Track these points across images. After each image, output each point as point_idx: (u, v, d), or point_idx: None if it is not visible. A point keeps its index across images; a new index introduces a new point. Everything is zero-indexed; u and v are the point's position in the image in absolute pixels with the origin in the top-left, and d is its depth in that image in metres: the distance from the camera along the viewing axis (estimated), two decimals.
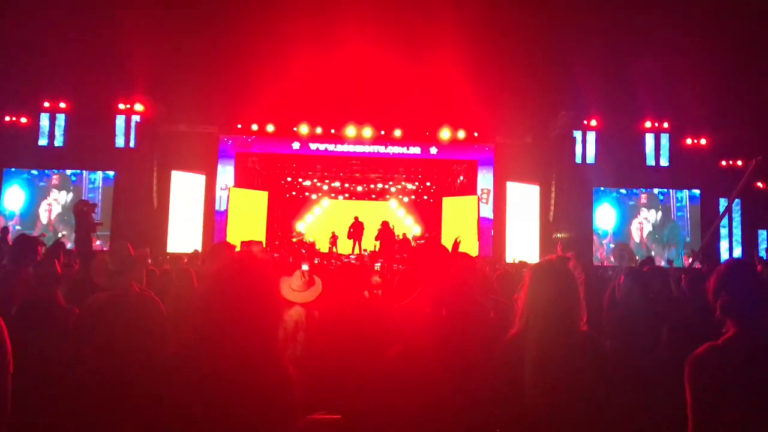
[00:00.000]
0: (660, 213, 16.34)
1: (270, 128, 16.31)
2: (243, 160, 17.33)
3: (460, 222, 16.33)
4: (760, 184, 15.56)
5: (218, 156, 16.58)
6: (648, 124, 16.30)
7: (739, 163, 15.93)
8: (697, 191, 16.25)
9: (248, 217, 16.50)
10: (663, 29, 14.17)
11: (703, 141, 16.13)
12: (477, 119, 16.13)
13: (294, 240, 18.03)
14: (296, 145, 16.65)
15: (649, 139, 16.41)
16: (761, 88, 14.29)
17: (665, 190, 16.35)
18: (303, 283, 4.31)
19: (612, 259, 12.30)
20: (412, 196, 23.61)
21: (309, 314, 4.23)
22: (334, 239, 20.10)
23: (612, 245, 16.13)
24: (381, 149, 16.75)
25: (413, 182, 22.16)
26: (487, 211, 16.60)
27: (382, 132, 16.39)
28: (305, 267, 4.75)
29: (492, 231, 16.43)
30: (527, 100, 15.44)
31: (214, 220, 16.33)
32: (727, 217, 15.30)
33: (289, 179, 22.04)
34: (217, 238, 15.50)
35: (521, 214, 16.55)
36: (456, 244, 4.52)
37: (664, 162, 16.35)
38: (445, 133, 16.23)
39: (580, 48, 14.44)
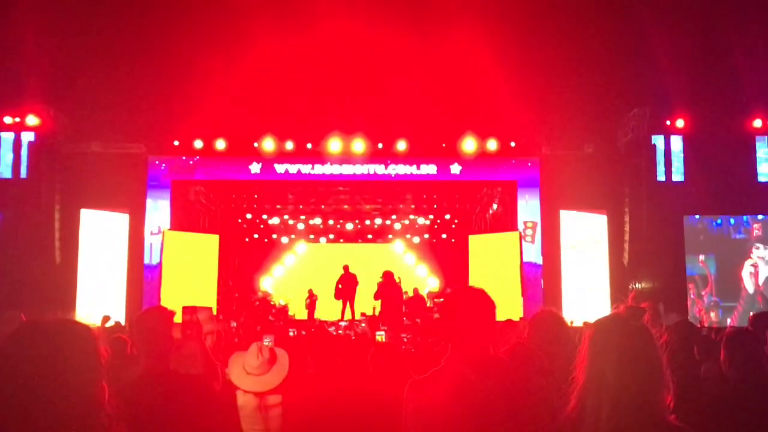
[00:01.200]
0: None
1: (220, 145, 16.35)
2: (182, 191, 17.36)
3: (495, 269, 16.35)
4: None
5: (147, 186, 16.56)
6: (758, 123, 16.24)
7: None
8: None
9: (191, 272, 16.49)
10: None
11: None
12: (515, 124, 16.20)
13: (257, 303, 18.28)
14: (256, 168, 16.67)
15: (761, 144, 16.39)
16: None
17: None
18: (261, 363, 4.32)
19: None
20: (426, 235, 23.66)
21: (262, 408, 4.26)
22: (312, 300, 20.12)
23: (714, 298, 16.16)
24: (379, 169, 16.76)
25: (426, 215, 22.32)
26: (534, 254, 16.58)
27: (380, 145, 16.42)
28: (267, 340, 5.11)
29: (542, 281, 16.36)
30: (585, 95, 15.52)
31: (143, 277, 16.25)
32: None
33: (248, 216, 22.12)
34: (147, 302, 15.34)
35: (583, 256, 16.50)
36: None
37: None
38: (469, 144, 16.26)
39: (659, 19, 14.72)
